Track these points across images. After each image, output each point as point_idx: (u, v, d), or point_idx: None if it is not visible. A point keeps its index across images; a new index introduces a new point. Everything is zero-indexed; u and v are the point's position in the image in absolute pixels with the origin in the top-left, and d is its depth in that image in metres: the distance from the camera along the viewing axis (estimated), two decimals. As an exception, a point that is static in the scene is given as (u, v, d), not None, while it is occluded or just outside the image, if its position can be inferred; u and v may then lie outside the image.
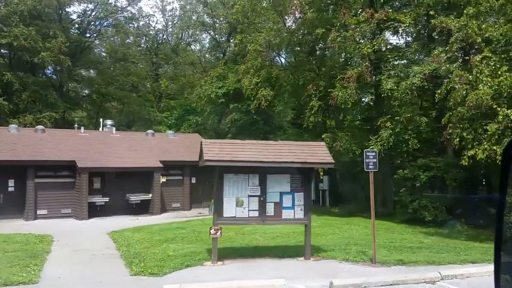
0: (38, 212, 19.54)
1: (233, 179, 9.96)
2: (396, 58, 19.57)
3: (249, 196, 10.05)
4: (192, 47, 47.19)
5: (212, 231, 9.85)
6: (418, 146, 18.82)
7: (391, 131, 18.55)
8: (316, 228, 16.90)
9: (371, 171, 9.98)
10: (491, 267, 8.26)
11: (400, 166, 21.55)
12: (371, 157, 9.93)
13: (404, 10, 19.79)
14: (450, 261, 9.80)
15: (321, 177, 22.12)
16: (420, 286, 8.02)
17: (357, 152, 20.09)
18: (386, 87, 18.64)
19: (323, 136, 21.11)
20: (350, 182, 27.90)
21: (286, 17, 24.17)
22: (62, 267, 9.84)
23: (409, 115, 18.36)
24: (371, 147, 19.01)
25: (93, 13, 38.82)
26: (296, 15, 20.57)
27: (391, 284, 7.96)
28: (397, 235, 15.28)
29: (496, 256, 2.46)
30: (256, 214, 10.08)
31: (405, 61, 20.88)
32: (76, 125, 26.17)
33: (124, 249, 11.94)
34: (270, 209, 10.12)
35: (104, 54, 46.03)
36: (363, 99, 24.49)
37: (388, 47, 21.77)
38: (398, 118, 18.22)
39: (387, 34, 22.17)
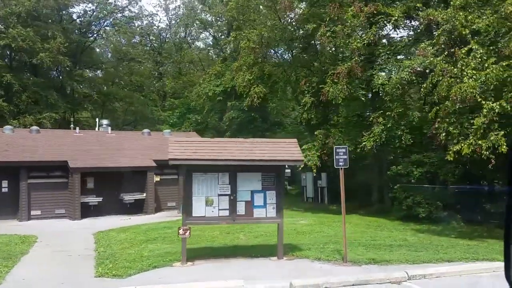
0: (32, 212, 19.65)
1: (202, 177, 9.80)
2: (388, 52, 19.18)
3: (219, 195, 9.88)
4: (196, 44, 47.24)
5: (181, 232, 9.71)
6: (412, 141, 18.45)
7: (383, 127, 18.23)
8: (305, 226, 16.72)
9: (341, 168, 9.73)
10: (464, 267, 7.95)
11: (396, 162, 21.18)
12: (341, 153, 9.69)
13: (397, 3, 19.36)
14: (425, 259, 9.50)
15: (314, 174, 21.79)
16: (384, 286, 7.77)
17: (350, 149, 19.78)
18: (377, 82, 18.32)
19: (316, 132, 20.88)
20: (351, 179, 27.51)
21: (284, 13, 23.86)
22: (32, 268, 9.81)
23: (400, 110, 18.01)
24: (363, 143, 18.75)
25: (94, 13, 39.01)
26: (286, 10, 20.23)
27: (353, 284, 7.72)
28: (385, 232, 14.98)
29: (506, 253, 2.40)
30: (226, 213, 9.92)
31: (402, 55, 20.47)
32: (72, 125, 26.29)
33: (102, 250, 11.88)
34: (241, 208, 9.95)
35: (109, 54, 46.45)
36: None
37: (383, 41, 21.43)
38: (390, 113, 17.87)
39: (389, 28, 21.79)
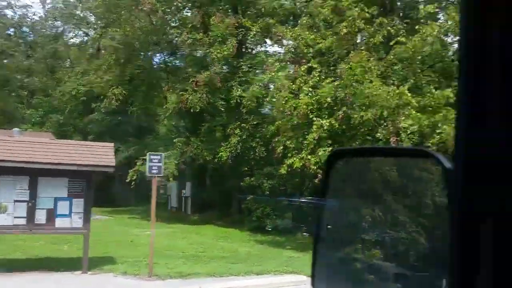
0: None
1: (-5, 181, 8.65)
2: (249, 66, 19.47)
3: (15, 201, 8.78)
4: (72, 41, 44.15)
5: (-41, 242, 8.40)
6: (266, 154, 18.78)
7: (239, 138, 18.37)
8: (148, 238, 15.95)
9: (154, 176, 9.27)
10: (270, 280, 7.72)
11: (253, 173, 21.48)
12: (156, 161, 9.22)
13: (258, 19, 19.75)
14: (235, 272, 9.39)
15: (170, 183, 21.24)
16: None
17: (208, 158, 19.63)
18: (235, 93, 18.46)
19: (175, 140, 20.41)
20: (218, 188, 27.43)
21: (153, 15, 22.97)
22: None
23: (255, 122, 18.33)
24: (220, 153, 18.69)
25: None
26: (148, 11, 19.49)
27: (137, 301, 7.23)
28: (226, 243, 14.87)
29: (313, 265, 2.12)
30: (23, 221, 8.83)
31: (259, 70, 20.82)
32: None
33: None
34: (41, 216, 8.95)
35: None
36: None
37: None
38: (244, 125, 18.07)
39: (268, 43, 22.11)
